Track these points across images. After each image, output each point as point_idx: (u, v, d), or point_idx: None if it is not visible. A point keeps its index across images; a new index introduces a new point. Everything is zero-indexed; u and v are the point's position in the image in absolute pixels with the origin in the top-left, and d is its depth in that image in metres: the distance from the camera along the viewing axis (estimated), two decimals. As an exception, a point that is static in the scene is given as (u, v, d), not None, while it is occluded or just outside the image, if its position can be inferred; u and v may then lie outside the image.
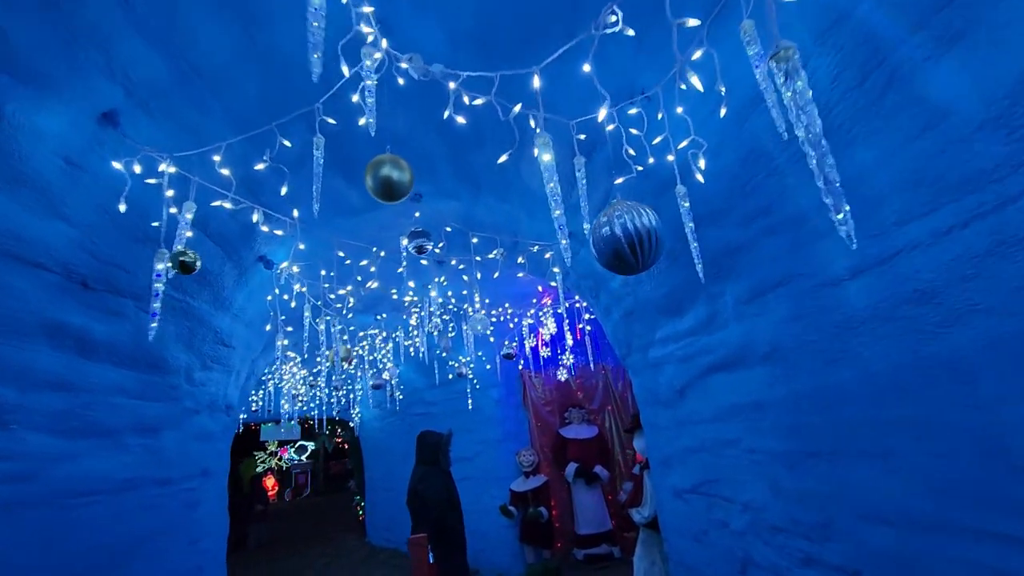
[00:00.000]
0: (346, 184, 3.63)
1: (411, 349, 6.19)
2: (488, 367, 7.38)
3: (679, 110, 1.99)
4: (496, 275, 4.01)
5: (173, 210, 2.13)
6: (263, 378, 7.25)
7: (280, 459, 23.42)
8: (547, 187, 1.68)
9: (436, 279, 5.05)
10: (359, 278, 3.87)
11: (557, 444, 7.68)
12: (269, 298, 3.80)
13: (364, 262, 3.95)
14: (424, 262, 3.75)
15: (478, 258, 3.86)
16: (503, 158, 2.02)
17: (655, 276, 3.47)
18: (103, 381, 2.75)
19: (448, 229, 3.83)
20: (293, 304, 3.78)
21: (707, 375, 3.41)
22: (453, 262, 4.02)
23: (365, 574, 8.27)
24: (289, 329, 4.13)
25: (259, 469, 22.49)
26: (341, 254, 3.56)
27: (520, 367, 7.62)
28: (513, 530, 7.41)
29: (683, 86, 1.88)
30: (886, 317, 1.94)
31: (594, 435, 7.68)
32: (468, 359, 7.57)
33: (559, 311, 5.74)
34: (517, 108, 1.82)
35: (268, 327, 3.96)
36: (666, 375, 3.86)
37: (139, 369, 3.07)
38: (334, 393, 8.67)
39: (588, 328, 5.61)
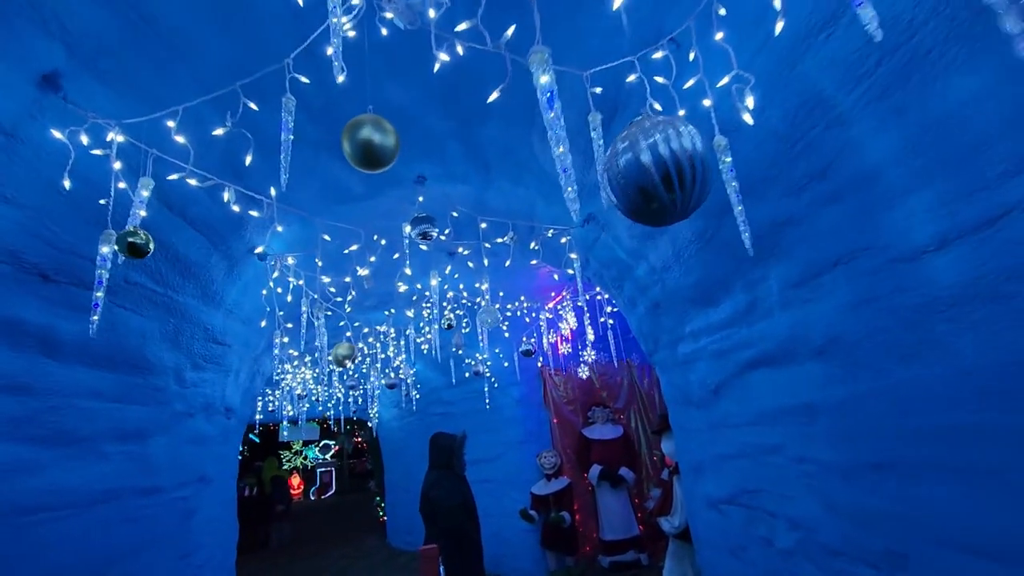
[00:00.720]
0: (344, 168, 3.34)
1: (424, 346, 5.90)
2: (506, 364, 7.04)
3: (719, 36, 1.59)
4: (508, 263, 3.66)
5: (123, 185, 1.85)
6: (276, 378, 7.08)
7: (305, 458, 23.58)
8: (546, 118, 1.31)
9: (446, 270, 4.73)
10: (360, 271, 3.57)
11: (580, 445, 7.31)
12: (264, 292, 3.54)
13: (367, 257, 3.65)
14: (424, 247, 3.43)
15: (487, 245, 3.52)
16: (494, 95, 1.65)
17: (684, 260, 3.07)
18: (72, 383, 2.51)
19: (455, 214, 3.50)
20: (289, 299, 3.51)
21: (746, 372, 3.00)
22: (461, 249, 3.69)
23: (383, 578, 8.05)
24: (289, 326, 3.86)
25: (285, 468, 22.78)
26: (327, 237, 3.25)
27: (540, 364, 7.26)
28: (535, 534, 7.07)
29: (722, 10, 1.50)
30: (985, 297, 1.53)
31: (619, 435, 7.27)
32: (484, 356, 7.25)
33: (579, 304, 5.36)
34: (510, 31, 1.46)
35: (264, 323, 3.70)
36: (698, 373, 3.46)
37: (117, 370, 2.82)
38: (351, 393, 8.48)
39: (611, 322, 5.22)
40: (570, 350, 6.41)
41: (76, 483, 2.53)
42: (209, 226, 2.97)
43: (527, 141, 3.17)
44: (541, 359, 6.83)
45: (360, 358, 5.93)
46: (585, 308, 5.34)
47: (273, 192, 2.70)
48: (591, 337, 5.08)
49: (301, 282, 3.50)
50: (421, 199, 3.55)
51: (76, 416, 2.54)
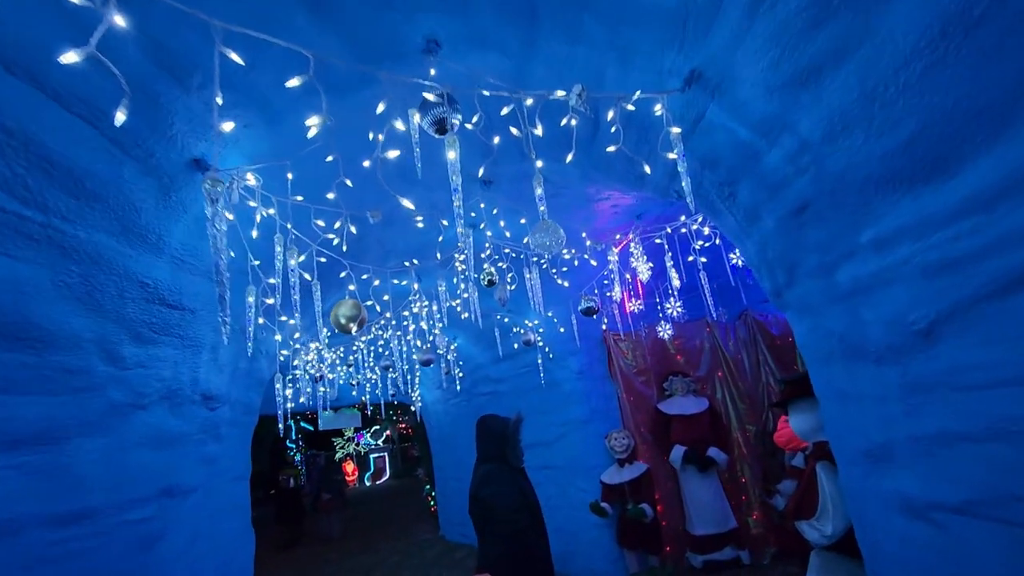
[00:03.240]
0: (327, 41, 2.22)
1: (460, 311, 4.78)
2: (562, 330, 5.86)
3: None
4: (571, 156, 2.43)
5: None
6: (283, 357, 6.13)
7: (358, 444, 23.43)
8: None
9: (480, 205, 3.57)
10: (360, 219, 2.46)
11: (657, 422, 6.08)
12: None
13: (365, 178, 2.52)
14: (451, 156, 2.22)
15: (538, 131, 2.31)
16: None
17: (886, 103, 1.77)
18: None
19: (486, 93, 2.30)
20: (254, 234, 2.43)
21: (1000, 296, 1.71)
22: (496, 143, 2.47)
23: (437, 578, 7.16)
24: (272, 281, 2.80)
25: (338, 456, 22.72)
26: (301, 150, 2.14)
27: (604, 327, 6.03)
28: (608, 530, 5.94)
29: None
30: None
31: (704, 409, 6.00)
32: (535, 323, 6.09)
33: (657, 241, 4.08)
34: None
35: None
36: (887, 305, 2.17)
37: (-19, 342, 1.82)
38: (388, 373, 7.55)
39: (703, 260, 3.93)
40: (641, 307, 5.15)
41: None
42: (104, 115, 1.90)
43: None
44: (605, 322, 5.60)
45: (382, 324, 4.88)
46: (666, 246, 4.07)
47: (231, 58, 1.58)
48: (677, 283, 3.81)
49: (271, 211, 2.41)
50: (433, 72, 2.37)
51: None
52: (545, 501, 3.67)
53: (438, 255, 3.80)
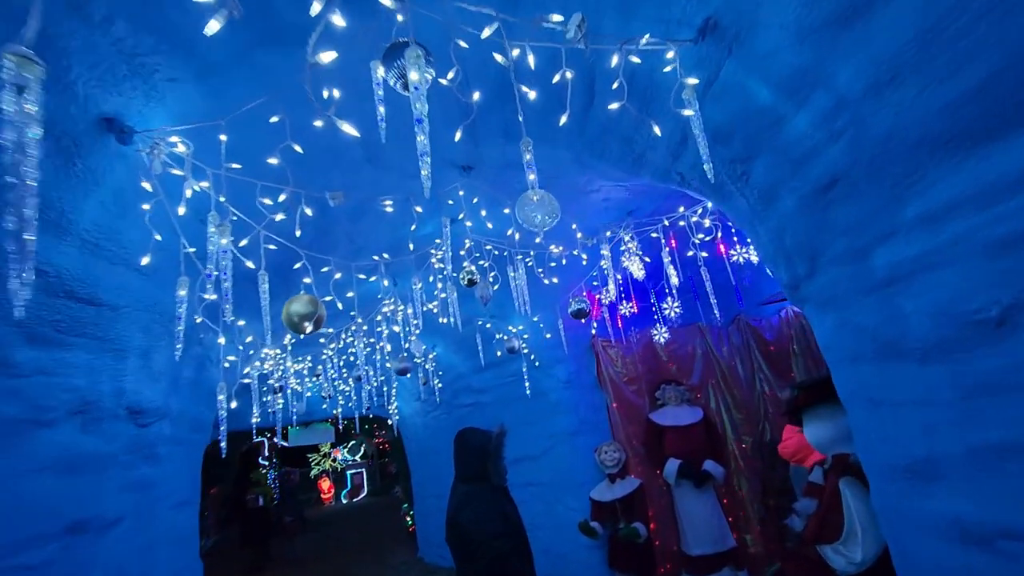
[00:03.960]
0: None
1: (439, 315, 4.37)
2: (548, 336, 5.49)
3: None
4: (564, 119, 2.05)
5: None
6: (265, 371, 5.65)
7: (335, 460, 22.61)
8: None
9: (459, 192, 3.18)
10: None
11: (649, 434, 5.71)
12: (146, 207, 2.04)
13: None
14: (420, 129, 1.83)
15: (531, 94, 1.94)
16: None
17: (949, 45, 1.45)
18: None
19: (464, 45, 1.94)
20: (181, 210, 2.00)
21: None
22: (474, 100, 2.09)
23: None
24: (211, 269, 2.37)
25: (314, 472, 21.88)
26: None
27: (593, 332, 5.66)
28: (599, 551, 5.53)
29: None
30: None
31: (698, 419, 5.64)
32: (520, 328, 5.71)
33: (654, 235, 3.73)
34: None
35: (146, 260, 2.18)
36: (936, 292, 1.84)
37: None
38: (361, 384, 7.06)
39: (703, 255, 3.58)
40: (633, 310, 4.80)
41: None
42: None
43: None
44: (595, 325, 5.24)
45: (353, 331, 4.44)
46: (663, 240, 3.73)
47: None
48: (675, 280, 3.47)
49: (204, 185, 1.99)
50: (401, 19, 1.99)
51: None
52: (530, 521, 3.28)
53: (410, 245, 3.39)
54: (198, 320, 2.45)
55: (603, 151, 3.00)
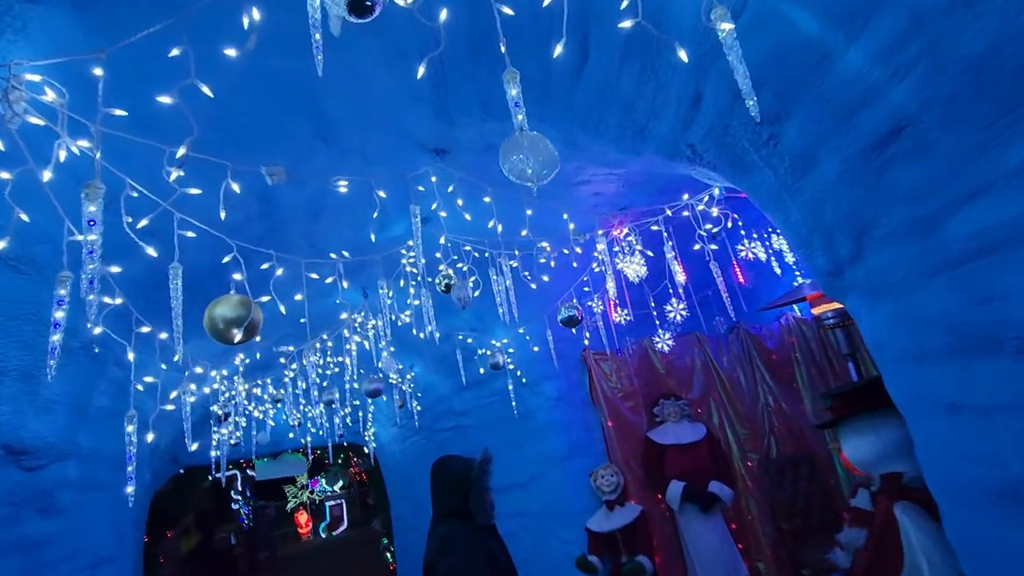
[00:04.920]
0: None
1: (414, 330, 3.86)
2: (535, 349, 5.00)
3: None
4: (559, 50, 1.61)
5: None
6: (235, 401, 5.02)
7: (312, 491, 21.54)
8: None
9: (431, 179, 2.71)
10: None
11: (648, 454, 5.22)
12: (6, 176, 1.52)
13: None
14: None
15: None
16: None
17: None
18: None
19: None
20: (48, 175, 1.49)
21: None
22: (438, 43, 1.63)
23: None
24: (115, 270, 1.86)
25: (290, 505, 20.78)
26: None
27: (586, 343, 5.19)
28: (598, 588, 4.97)
29: None
30: None
31: (701, 437, 5.18)
32: (505, 342, 5.21)
33: (654, 228, 3.29)
34: None
35: (2, 244, 1.65)
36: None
37: None
38: (336, 411, 6.45)
39: (712, 248, 3.15)
40: (629, 317, 4.35)
41: None
42: None
43: None
44: (588, 335, 4.77)
45: (317, 348, 3.88)
46: (665, 234, 3.31)
47: None
48: (682, 278, 3.03)
49: (85, 144, 1.49)
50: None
51: None
52: (520, 557, 2.80)
53: (372, 236, 2.90)
54: (96, 331, 1.91)
55: (598, 125, 2.57)
